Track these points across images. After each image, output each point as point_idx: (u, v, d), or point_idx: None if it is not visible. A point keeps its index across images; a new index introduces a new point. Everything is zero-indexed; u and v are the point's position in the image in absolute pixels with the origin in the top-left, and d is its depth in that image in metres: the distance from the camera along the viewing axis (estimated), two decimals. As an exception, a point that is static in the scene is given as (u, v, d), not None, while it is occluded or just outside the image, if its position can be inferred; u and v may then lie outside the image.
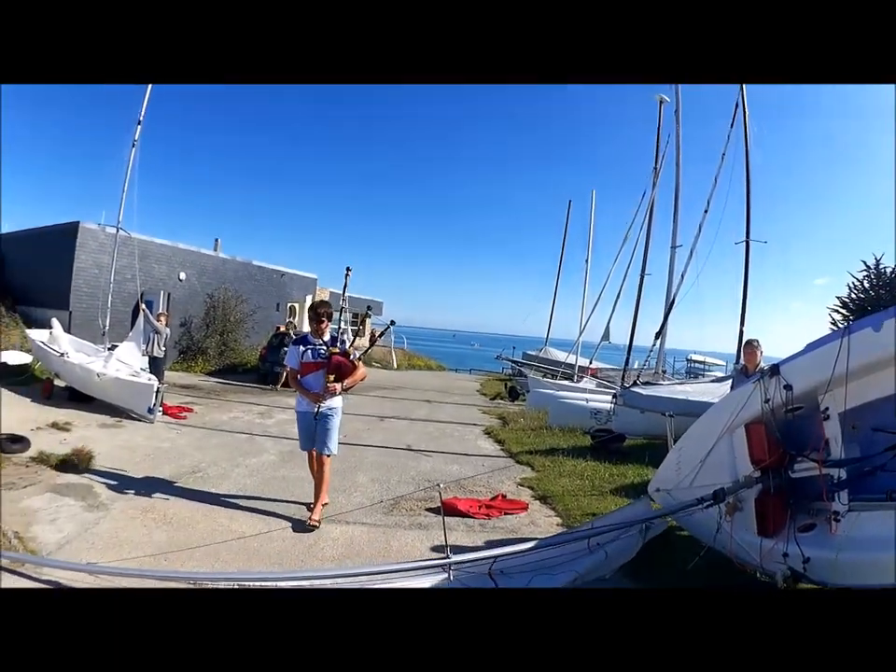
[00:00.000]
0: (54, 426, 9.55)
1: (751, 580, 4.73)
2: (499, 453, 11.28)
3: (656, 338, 15.54)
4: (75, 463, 7.25)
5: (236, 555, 5.11)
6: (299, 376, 6.40)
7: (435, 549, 5.52)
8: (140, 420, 10.92)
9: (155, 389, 10.92)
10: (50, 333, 13.67)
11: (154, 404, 10.89)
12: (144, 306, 13.91)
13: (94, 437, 9.12)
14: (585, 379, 22.74)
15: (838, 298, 17.76)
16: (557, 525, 6.69)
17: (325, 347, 6.30)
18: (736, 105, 15.81)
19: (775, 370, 4.56)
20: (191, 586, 4.25)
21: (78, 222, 18.65)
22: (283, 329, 20.27)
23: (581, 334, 26.55)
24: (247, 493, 7.11)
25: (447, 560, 4.39)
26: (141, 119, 13.66)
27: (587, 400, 14.67)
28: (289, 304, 29.77)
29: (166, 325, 14.34)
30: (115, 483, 6.91)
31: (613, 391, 13.69)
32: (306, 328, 6.86)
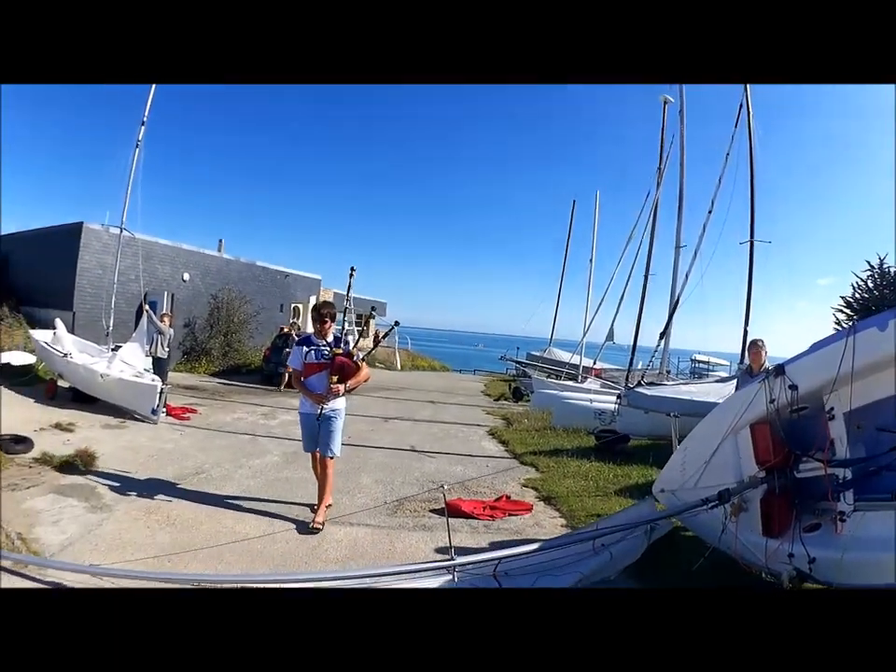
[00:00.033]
0: (57, 426, 9.58)
1: (757, 580, 4.72)
2: (503, 454, 11.25)
3: (660, 338, 15.53)
4: (78, 464, 7.25)
5: (240, 557, 5.10)
6: (302, 377, 6.36)
7: (439, 550, 5.51)
8: (143, 421, 10.94)
9: (159, 390, 10.93)
10: (54, 334, 13.70)
11: (158, 405, 10.91)
12: (147, 307, 13.94)
13: (98, 438, 9.14)
14: (589, 379, 22.73)
15: (842, 298, 17.69)
16: (562, 526, 6.67)
17: (328, 348, 6.26)
18: (741, 106, 15.78)
19: (780, 370, 4.53)
20: (195, 586, 4.25)
21: (82, 223, 18.70)
22: (287, 329, 20.27)
23: (585, 334, 26.55)
24: (251, 494, 7.10)
25: (451, 562, 4.38)
26: (145, 119, 13.67)
27: (591, 401, 14.65)
28: (293, 305, 29.82)
29: (170, 326, 14.39)
30: (118, 484, 6.91)
31: (617, 391, 13.68)
32: (310, 328, 6.86)
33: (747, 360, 9.44)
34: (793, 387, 4.38)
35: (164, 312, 16.64)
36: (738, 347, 15.06)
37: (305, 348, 6.33)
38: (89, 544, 5.15)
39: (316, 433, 6.29)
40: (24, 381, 13.00)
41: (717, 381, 15.32)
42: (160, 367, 13.57)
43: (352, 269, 6.99)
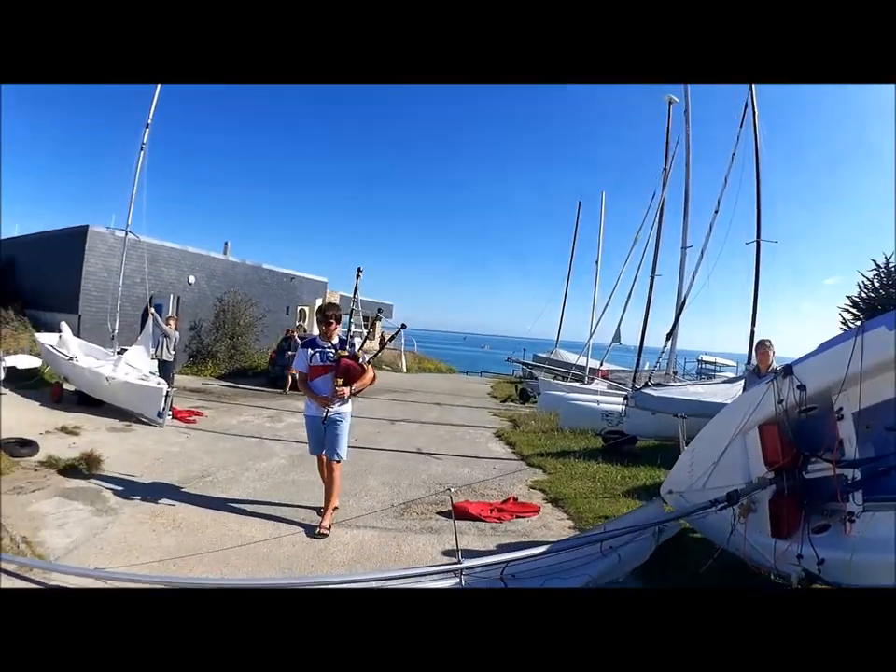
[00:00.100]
0: (63, 429, 9.57)
1: (765, 582, 4.69)
2: (511, 455, 11.24)
3: (667, 339, 15.49)
4: (83, 467, 7.25)
5: (245, 560, 5.08)
6: (307, 380, 6.33)
7: (446, 553, 5.48)
8: (149, 424, 10.96)
9: (164, 393, 10.94)
10: (60, 337, 13.69)
11: (163, 408, 10.92)
12: (153, 310, 13.97)
13: (103, 441, 9.13)
14: (596, 381, 22.68)
15: (848, 297, 17.67)
16: (569, 528, 6.65)
17: (333, 350, 6.22)
18: (746, 105, 15.74)
19: (788, 370, 4.51)
20: (202, 586, 4.23)
21: (87, 226, 18.72)
22: (293, 332, 20.26)
23: (591, 336, 26.49)
24: (257, 497, 7.09)
25: (458, 565, 4.36)
26: (149, 122, 13.68)
27: (598, 402, 14.65)
28: (299, 308, 29.83)
29: (176, 328, 14.39)
30: (124, 487, 6.91)
31: (624, 393, 13.64)
32: (316, 331, 6.84)
33: (754, 361, 9.40)
34: (802, 387, 4.36)
35: (170, 315, 16.63)
36: (744, 348, 15.05)
37: (310, 350, 6.30)
38: (94, 548, 5.14)
39: (322, 436, 6.25)
40: (30, 384, 13.02)
41: (724, 381, 15.27)
42: (165, 370, 13.62)
43: (359, 269, 6.94)
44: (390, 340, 8.09)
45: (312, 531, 5.93)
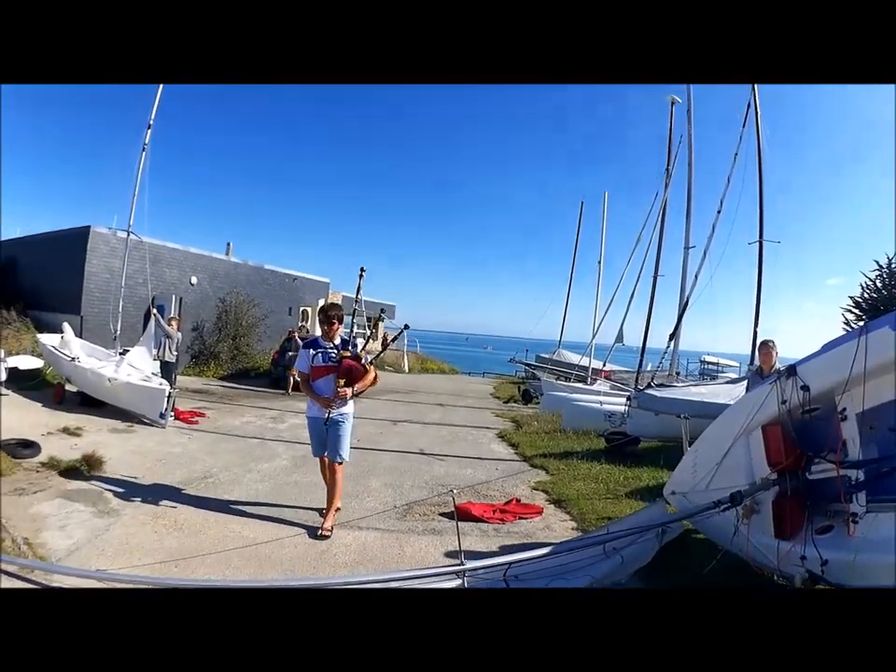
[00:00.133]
0: (65, 430, 9.58)
1: (769, 583, 4.67)
2: (513, 456, 11.24)
3: (670, 339, 15.45)
4: (85, 469, 7.25)
5: (248, 562, 5.08)
6: (309, 380, 6.31)
7: (449, 554, 5.49)
8: (152, 425, 10.96)
9: (167, 394, 10.95)
10: (62, 338, 13.70)
11: (166, 409, 10.93)
12: (155, 310, 13.94)
13: (105, 442, 9.13)
14: (599, 381, 22.68)
15: (851, 298, 17.60)
16: (572, 529, 6.64)
17: (335, 351, 6.19)
18: (748, 106, 15.72)
19: (791, 370, 4.50)
20: (204, 587, 4.22)
21: (89, 226, 18.71)
22: (295, 332, 20.26)
23: (594, 336, 26.48)
24: (259, 499, 7.09)
25: (461, 566, 4.34)
26: (151, 122, 13.66)
27: (601, 403, 14.65)
28: (302, 308, 29.82)
29: (178, 329, 14.39)
30: (125, 488, 6.91)
31: (627, 393, 13.64)
32: (318, 331, 6.83)
33: (757, 361, 9.38)
34: (805, 388, 4.35)
35: (172, 315, 16.61)
36: (747, 348, 15.01)
37: (312, 351, 6.26)
38: (95, 549, 5.14)
39: (325, 437, 6.24)
40: (32, 385, 13.03)
41: (727, 382, 15.24)
42: (167, 371, 13.62)
43: (362, 269, 6.92)
44: (393, 340, 8.08)
45: (314, 532, 5.93)
